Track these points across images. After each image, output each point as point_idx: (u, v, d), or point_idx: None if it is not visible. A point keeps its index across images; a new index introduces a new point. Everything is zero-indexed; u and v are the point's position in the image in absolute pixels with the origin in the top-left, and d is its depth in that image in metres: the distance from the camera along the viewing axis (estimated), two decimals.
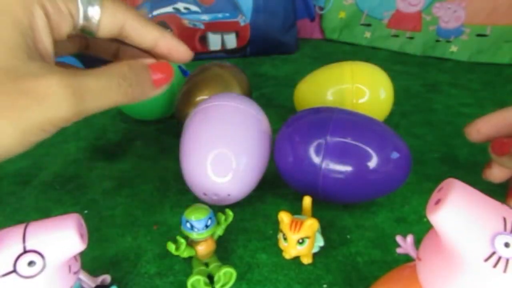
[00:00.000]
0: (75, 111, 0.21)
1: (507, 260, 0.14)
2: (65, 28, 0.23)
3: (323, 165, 0.28)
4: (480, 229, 0.15)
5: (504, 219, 0.15)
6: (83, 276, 0.23)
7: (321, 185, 0.29)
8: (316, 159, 0.28)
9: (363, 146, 0.28)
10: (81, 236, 0.18)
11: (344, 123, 0.29)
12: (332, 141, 0.28)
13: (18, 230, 0.18)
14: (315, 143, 0.28)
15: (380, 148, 0.28)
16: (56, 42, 0.24)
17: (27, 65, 0.20)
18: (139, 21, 0.25)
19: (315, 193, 0.30)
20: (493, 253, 0.14)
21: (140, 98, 0.25)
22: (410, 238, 0.20)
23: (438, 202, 0.15)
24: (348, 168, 0.28)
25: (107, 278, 0.25)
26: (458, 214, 0.15)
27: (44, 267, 0.17)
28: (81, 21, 0.24)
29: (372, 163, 0.28)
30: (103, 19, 0.24)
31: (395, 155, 0.28)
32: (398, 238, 0.21)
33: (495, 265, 0.14)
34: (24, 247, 0.17)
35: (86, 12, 0.24)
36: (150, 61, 0.25)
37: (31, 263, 0.17)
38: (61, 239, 0.18)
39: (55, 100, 0.20)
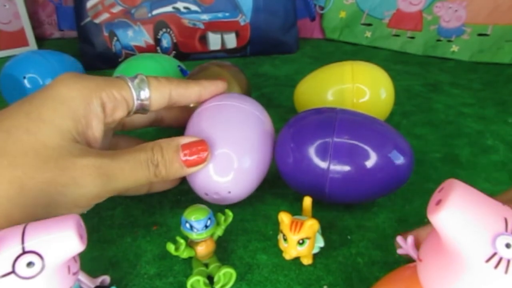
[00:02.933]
0: (105, 189, 0.24)
1: (508, 261, 0.14)
2: (119, 113, 0.27)
3: (331, 167, 0.28)
4: (481, 230, 0.15)
5: (505, 220, 0.15)
6: (82, 277, 0.23)
7: (328, 187, 0.29)
8: (323, 161, 0.28)
9: (369, 146, 0.28)
10: (81, 236, 0.18)
11: (348, 123, 0.29)
12: (339, 142, 0.28)
13: (17, 230, 0.18)
14: (321, 145, 0.28)
15: (385, 148, 0.28)
16: (109, 125, 0.27)
17: (70, 146, 0.23)
18: (181, 86, 0.29)
19: (321, 195, 0.29)
20: (494, 254, 0.14)
21: (173, 177, 0.27)
22: (410, 239, 0.20)
23: (439, 202, 0.15)
24: (354, 169, 0.28)
25: (106, 279, 0.25)
26: (459, 214, 0.15)
27: (43, 268, 0.17)
28: (136, 104, 0.28)
29: (378, 163, 0.28)
30: (152, 97, 0.28)
31: (395, 154, 0.28)
32: (399, 239, 0.20)
33: (496, 266, 0.14)
34: (23, 248, 0.17)
35: (139, 95, 0.27)
36: (186, 140, 0.27)
37: (30, 264, 0.17)
38: (60, 239, 0.18)
39: (89, 180, 0.23)
